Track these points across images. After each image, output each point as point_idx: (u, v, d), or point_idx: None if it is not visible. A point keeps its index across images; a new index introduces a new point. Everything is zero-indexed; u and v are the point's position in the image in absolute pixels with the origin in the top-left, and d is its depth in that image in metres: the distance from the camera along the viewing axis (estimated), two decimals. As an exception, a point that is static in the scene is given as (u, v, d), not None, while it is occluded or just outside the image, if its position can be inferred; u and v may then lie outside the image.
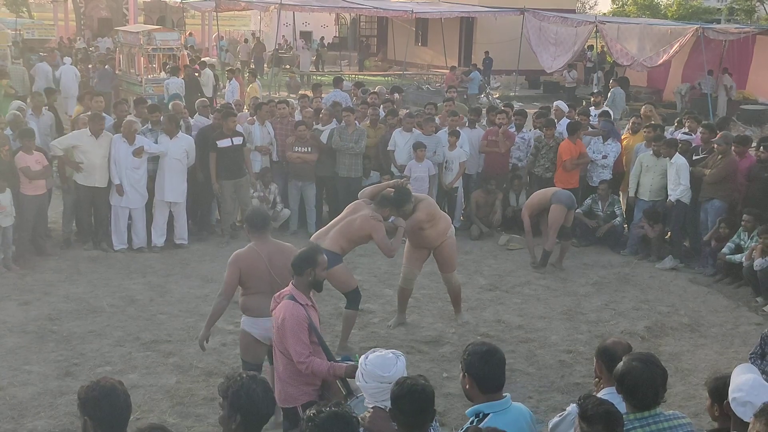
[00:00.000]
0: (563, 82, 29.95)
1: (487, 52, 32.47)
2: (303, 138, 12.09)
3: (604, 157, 12.15)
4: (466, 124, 13.11)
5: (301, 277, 5.22)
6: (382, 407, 4.00)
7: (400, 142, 12.41)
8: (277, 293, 5.35)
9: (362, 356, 4.12)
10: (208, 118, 12.52)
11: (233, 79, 21.10)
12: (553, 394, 7.16)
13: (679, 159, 10.90)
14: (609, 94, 21.30)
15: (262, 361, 6.24)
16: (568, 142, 11.89)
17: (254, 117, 12.57)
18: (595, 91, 19.96)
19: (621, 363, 3.89)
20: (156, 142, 11.19)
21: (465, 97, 25.56)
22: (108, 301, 9.21)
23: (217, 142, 11.37)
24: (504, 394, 3.95)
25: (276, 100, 13.78)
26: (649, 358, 3.89)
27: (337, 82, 17.30)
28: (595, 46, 33.19)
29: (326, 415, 3.29)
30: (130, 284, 9.86)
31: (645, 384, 3.79)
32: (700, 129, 11.61)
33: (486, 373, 3.89)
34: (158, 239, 11.31)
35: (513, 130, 13.02)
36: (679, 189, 10.85)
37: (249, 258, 6.07)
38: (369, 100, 14.45)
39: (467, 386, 3.93)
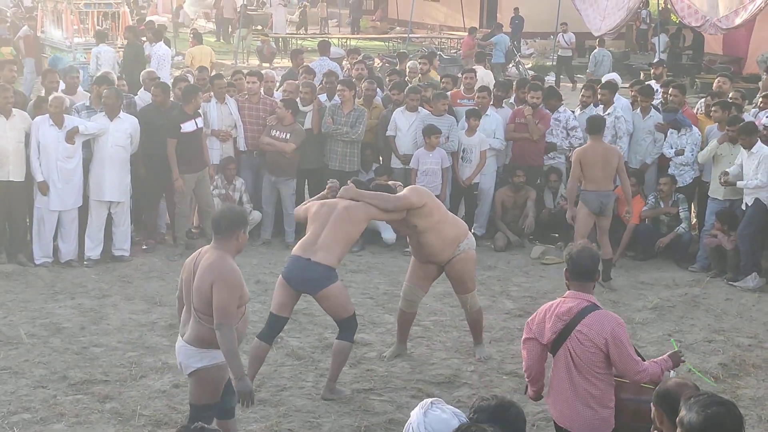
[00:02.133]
0: (615, 48, 29.99)
1: (516, 9, 32.50)
2: (284, 120, 12.12)
3: (679, 153, 12.13)
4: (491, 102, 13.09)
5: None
6: None
7: (403, 124, 12.43)
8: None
9: (419, 407, 4.04)
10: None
11: (160, 41, 20.68)
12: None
13: (762, 149, 10.91)
14: (590, 58, 21.34)
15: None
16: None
17: (210, 93, 12.58)
18: (656, 60, 19.94)
19: (689, 410, 3.89)
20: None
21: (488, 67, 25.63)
22: (26, 330, 9.20)
23: (181, 125, 11.40)
24: None
25: (245, 72, 13.80)
26: (726, 401, 3.92)
27: (324, 48, 17.32)
28: (651, 2, 33.26)
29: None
30: (56, 308, 9.87)
31: (734, 429, 3.81)
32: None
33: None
34: (93, 250, 11.33)
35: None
36: (753, 183, 10.86)
37: (188, 261, 6.30)
38: (355, 72, 14.41)
39: None
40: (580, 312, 5.56)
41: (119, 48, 20.67)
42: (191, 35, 24.56)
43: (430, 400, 4.04)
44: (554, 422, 5.86)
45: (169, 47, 20.65)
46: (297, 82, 13.32)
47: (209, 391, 6.20)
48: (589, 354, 5.52)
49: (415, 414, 4.01)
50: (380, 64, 23.92)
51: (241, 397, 6.00)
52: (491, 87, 13.84)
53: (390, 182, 8.69)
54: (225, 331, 5.88)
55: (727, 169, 11.18)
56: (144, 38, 21.46)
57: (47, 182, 10.94)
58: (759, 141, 11.02)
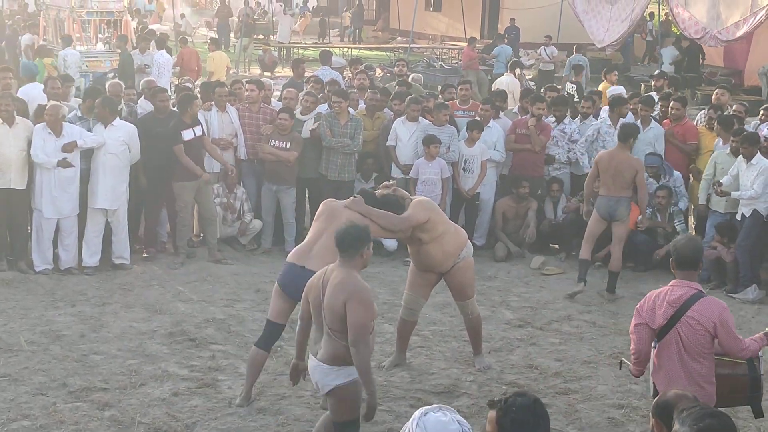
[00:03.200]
0: (615, 59, 29.99)
1: (512, 20, 32.45)
2: (284, 129, 12.14)
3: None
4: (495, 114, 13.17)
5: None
6: None
7: (404, 134, 12.47)
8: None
9: (419, 411, 3.99)
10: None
11: (162, 50, 20.73)
12: None
13: (762, 161, 10.94)
14: (567, 63, 21.31)
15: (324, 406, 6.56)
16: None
17: (210, 102, 12.62)
18: (656, 72, 19.96)
19: (682, 424, 3.91)
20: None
21: (489, 77, 25.66)
22: (27, 337, 9.22)
23: (182, 133, 11.43)
24: None
25: (245, 81, 13.85)
26: (718, 411, 3.94)
27: (325, 58, 17.38)
28: (656, 14, 33.32)
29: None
30: (56, 315, 9.88)
31: None
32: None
33: (540, 429, 3.93)
34: (91, 258, 11.34)
35: (552, 120, 13.04)
36: (748, 192, 10.87)
37: (315, 277, 6.52)
38: (357, 82, 14.45)
39: None
40: (690, 299, 6.08)
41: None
42: (209, 41, 25.23)
43: (437, 405, 4.00)
44: None
45: (171, 56, 20.69)
46: (296, 90, 13.38)
47: (349, 407, 6.35)
48: (698, 337, 6.05)
49: (416, 414, 3.97)
50: (381, 74, 23.97)
51: (369, 410, 6.18)
52: (516, 96, 13.85)
53: (389, 183, 8.61)
54: (360, 347, 6.05)
55: (721, 180, 11.24)
56: (137, 48, 21.35)
57: (44, 191, 10.91)
58: (759, 153, 11.04)
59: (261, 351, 7.89)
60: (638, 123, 12.62)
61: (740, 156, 11.12)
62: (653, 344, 6.30)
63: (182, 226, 11.89)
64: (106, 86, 12.99)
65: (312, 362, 6.39)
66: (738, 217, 11.24)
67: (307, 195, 13.01)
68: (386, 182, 8.77)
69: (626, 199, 10.95)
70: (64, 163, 10.86)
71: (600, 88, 15.63)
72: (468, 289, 8.63)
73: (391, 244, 12.24)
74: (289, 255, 7.93)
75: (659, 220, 12.04)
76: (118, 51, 20.54)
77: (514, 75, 18.66)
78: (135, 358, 8.80)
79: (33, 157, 10.84)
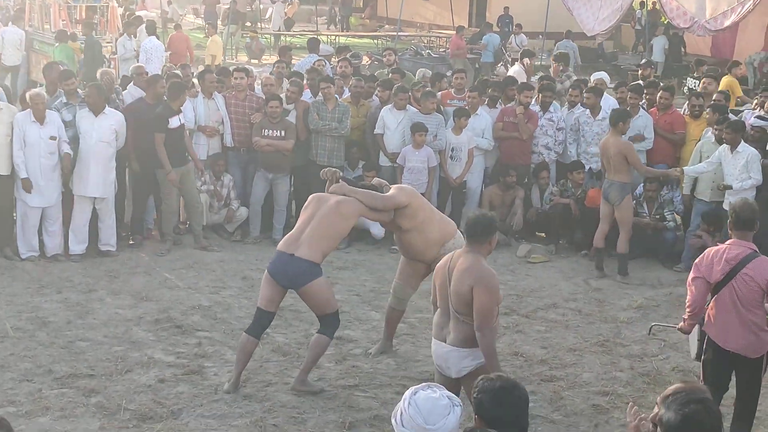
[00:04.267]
0: (606, 48, 29.99)
1: (507, 9, 32.49)
2: (275, 117, 12.13)
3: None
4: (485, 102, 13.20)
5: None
6: None
7: (391, 122, 12.49)
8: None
9: (409, 391, 4.04)
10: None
11: (151, 36, 20.58)
12: None
13: (747, 149, 10.98)
14: (554, 48, 21.29)
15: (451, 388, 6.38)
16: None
17: (196, 89, 12.62)
18: (643, 62, 19.97)
19: (667, 409, 3.93)
20: (73, 120, 11.21)
21: (477, 66, 25.66)
22: (12, 324, 9.21)
23: (169, 120, 11.42)
24: None
25: (232, 68, 13.83)
26: (704, 397, 3.96)
27: (313, 45, 17.37)
28: (645, 3, 33.32)
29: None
30: (42, 302, 9.88)
31: (713, 428, 3.85)
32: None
33: (501, 416, 3.96)
34: (78, 246, 11.32)
35: (537, 109, 13.08)
36: (748, 182, 10.91)
37: (441, 262, 6.72)
38: (339, 69, 14.41)
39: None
40: (746, 258, 6.75)
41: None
42: (207, 25, 25.72)
43: (426, 383, 4.06)
44: (719, 347, 6.92)
45: (160, 41, 20.62)
46: (273, 75, 13.42)
47: None
48: (752, 292, 6.73)
49: (406, 394, 4.02)
50: (369, 62, 23.94)
51: None
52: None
53: (374, 180, 8.71)
54: (486, 332, 6.26)
55: (696, 166, 11.39)
56: (123, 33, 21.25)
57: (30, 177, 10.89)
58: (743, 141, 11.07)
59: (251, 338, 7.92)
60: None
61: (723, 144, 11.15)
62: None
63: (168, 213, 11.88)
64: (98, 75, 12.93)
65: (442, 348, 6.56)
66: (725, 206, 11.28)
67: (292, 182, 13.01)
68: (377, 179, 8.80)
69: (619, 184, 11.12)
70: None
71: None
72: None
73: (378, 232, 12.26)
74: (279, 243, 7.98)
75: (645, 209, 12.07)
76: (84, 37, 20.43)
77: (524, 65, 18.63)
78: (121, 345, 8.81)
79: (14, 155, 10.82)
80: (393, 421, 4.02)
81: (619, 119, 11.17)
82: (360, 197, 8.00)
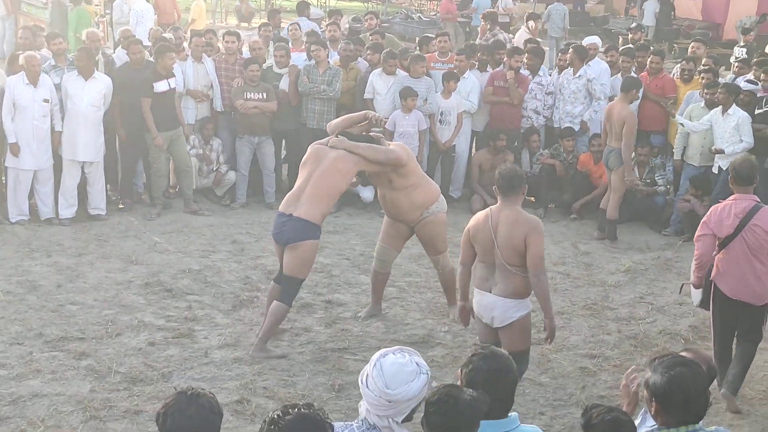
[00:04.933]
0: (594, 12, 29.89)
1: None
2: (255, 81, 12.11)
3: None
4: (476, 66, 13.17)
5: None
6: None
7: (381, 87, 12.45)
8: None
9: (378, 353, 4.05)
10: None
11: None
12: (571, 410, 7.30)
13: (738, 112, 11.00)
14: (545, 12, 21.15)
15: (488, 341, 6.72)
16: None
17: (187, 51, 12.57)
18: (633, 25, 19.92)
19: (654, 372, 3.98)
20: (60, 82, 11.16)
21: (467, 30, 25.55)
22: (2, 288, 9.22)
23: (153, 84, 11.38)
24: (510, 414, 4.03)
25: (222, 32, 13.76)
26: (689, 360, 4.00)
27: (302, 8, 17.25)
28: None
29: (293, 417, 3.38)
30: (32, 266, 9.89)
31: (698, 391, 3.90)
32: (762, 74, 11.68)
33: (495, 395, 3.95)
34: (67, 210, 11.30)
35: (527, 73, 13.05)
36: (740, 146, 10.93)
37: (478, 220, 6.84)
38: (328, 33, 14.28)
39: None
40: (752, 210, 7.22)
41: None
42: None
43: (399, 347, 4.05)
44: (727, 298, 7.33)
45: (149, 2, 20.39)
46: (260, 39, 13.36)
47: (526, 336, 6.89)
48: (761, 241, 7.19)
49: (375, 356, 4.02)
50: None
51: (551, 332, 6.83)
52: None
53: (373, 133, 8.70)
54: (542, 276, 6.63)
55: (686, 125, 11.43)
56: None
57: (21, 142, 10.85)
58: (734, 105, 11.09)
59: (278, 285, 8.13)
60: (618, 76, 12.68)
61: (715, 108, 11.16)
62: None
63: (157, 176, 11.86)
64: (83, 36, 12.82)
65: (489, 298, 6.77)
66: (714, 170, 11.32)
67: (283, 146, 13.01)
68: (374, 133, 8.80)
69: (618, 151, 11.17)
70: None
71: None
72: (438, 244, 8.70)
73: (367, 195, 12.27)
74: (281, 204, 8.10)
75: (636, 174, 12.09)
76: None
77: (528, 29, 18.54)
78: (111, 309, 8.83)
79: (3, 120, 10.78)
80: (359, 381, 4.02)
81: (632, 86, 11.24)
82: (361, 151, 8.04)
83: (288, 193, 8.14)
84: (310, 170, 7.98)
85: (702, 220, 7.50)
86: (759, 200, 7.37)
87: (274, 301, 8.01)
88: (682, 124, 11.46)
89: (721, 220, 7.31)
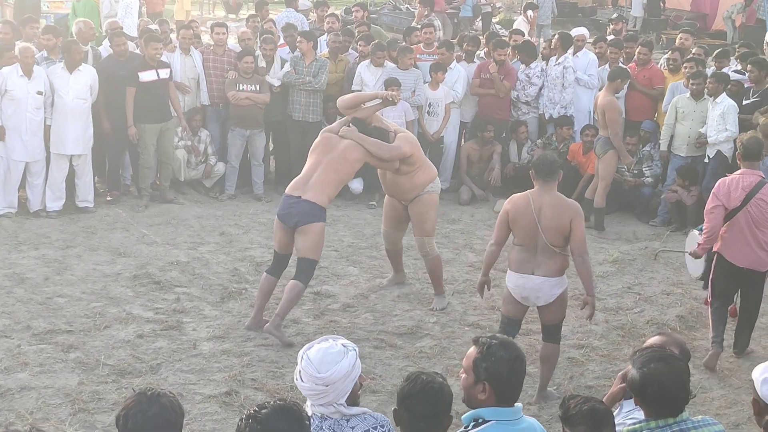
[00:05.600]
0: (582, 3, 29.90)
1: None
2: (249, 72, 12.08)
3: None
4: (462, 58, 13.18)
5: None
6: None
7: (369, 78, 12.43)
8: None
9: (305, 347, 4.16)
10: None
11: None
12: (558, 400, 7.29)
13: (726, 100, 11.04)
14: None
15: (518, 317, 7.39)
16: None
17: (175, 43, 12.53)
18: (614, 16, 19.89)
19: (634, 369, 4.02)
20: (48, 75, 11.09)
21: (455, 21, 25.52)
22: (-10, 280, 9.21)
23: (139, 73, 11.35)
24: (516, 404, 4.05)
25: (210, 24, 13.72)
26: (667, 355, 4.04)
27: (290, 0, 17.19)
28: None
29: (270, 410, 3.46)
30: (19, 258, 9.86)
31: (674, 386, 3.93)
32: (748, 66, 11.72)
33: (514, 383, 3.99)
34: (55, 203, 11.27)
35: (515, 61, 13.08)
36: (724, 134, 10.98)
37: (518, 204, 7.12)
38: (326, 26, 14.24)
39: (482, 395, 3.96)
40: (758, 184, 7.76)
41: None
42: None
43: (324, 337, 4.18)
44: (731, 265, 7.92)
45: None
46: (249, 32, 13.30)
47: (564, 309, 7.34)
48: (764, 213, 7.75)
49: (301, 350, 4.13)
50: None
51: (591, 310, 7.27)
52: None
53: (383, 126, 8.87)
54: (585, 256, 7.11)
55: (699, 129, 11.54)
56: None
57: (14, 134, 10.84)
58: (724, 93, 11.13)
59: (270, 277, 8.35)
60: (606, 67, 12.71)
61: (708, 99, 11.24)
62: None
63: (144, 168, 11.84)
64: (73, 29, 12.76)
65: (534, 280, 7.11)
66: (706, 159, 11.38)
67: (271, 138, 13.00)
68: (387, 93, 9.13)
69: (604, 138, 11.39)
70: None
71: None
72: (427, 223, 8.92)
73: (356, 186, 12.28)
74: (287, 187, 8.29)
75: (624, 166, 12.09)
76: None
77: (526, 18, 18.55)
78: (99, 301, 8.82)
79: None
80: (295, 380, 4.14)
81: (617, 76, 11.40)
82: (368, 146, 8.31)
83: (295, 178, 8.35)
84: (320, 157, 8.24)
85: (713, 192, 7.96)
86: (763, 176, 7.89)
87: (291, 280, 8.18)
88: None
89: (729, 193, 7.82)
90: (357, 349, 4.13)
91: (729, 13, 26.15)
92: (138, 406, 3.64)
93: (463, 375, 4.02)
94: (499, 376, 3.92)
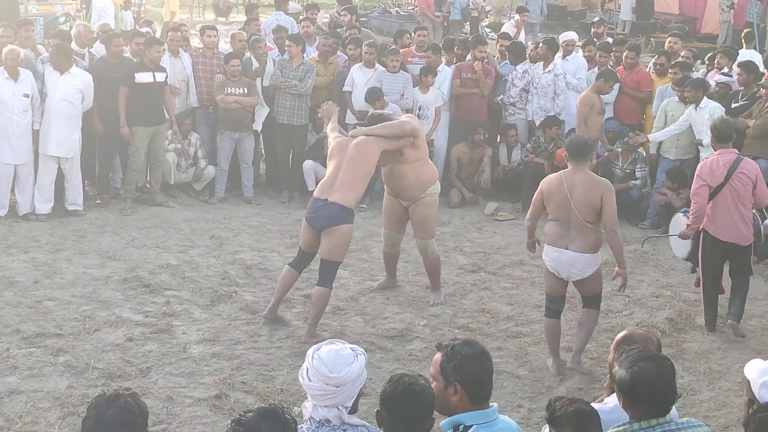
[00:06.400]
0: (571, 6, 29.97)
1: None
2: (236, 75, 12.07)
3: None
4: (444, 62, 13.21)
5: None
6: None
7: (360, 80, 12.45)
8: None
9: (313, 347, 4.19)
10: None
11: None
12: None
13: (709, 103, 11.06)
14: None
15: (560, 293, 7.85)
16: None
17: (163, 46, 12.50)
18: (596, 19, 19.95)
19: (620, 366, 4.03)
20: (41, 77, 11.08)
21: (445, 24, 25.57)
22: (-21, 284, 9.18)
23: (135, 74, 11.34)
24: (491, 404, 4.06)
25: (200, 26, 13.71)
26: (654, 354, 4.06)
27: (281, 2, 17.18)
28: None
29: (256, 414, 3.50)
30: (8, 261, 9.82)
31: (663, 385, 3.94)
32: (736, 68, 11.76)
33: (483, 380, 4.02)
34: (44, 205, 11.23)
35: (505, 63, 13.14)
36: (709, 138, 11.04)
37: (552, 183, 7.61)
38: (302, 30, 14.19)
39: (455, 398, 4.00)
40: (736, 160, 8.39)
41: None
42: None
43: (329, 339, 4.23)
44: (717, 240, 8.49)
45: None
46: (244, 33, 13.29)
47: (600, 281, 7.88)
48: (746, 187, 8.34)
49: (309, 351, 4.17)
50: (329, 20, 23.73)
51: (624, 282, 7.78)
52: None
53: (384, 112, 9.22)
54: (617, 230, 7.54)
55: (665, 129, 11.62)
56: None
57: (1, 136, 10.81)
58: (705, 97, 11.16)
59: (292, 270, 8.53)
60: (595, 70, 12.74)
61: (689, 106, 11.25)
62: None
63: (132, 171, 11.81)
64: (72, 31, 12.71)
65: (568, 255, 7.55)
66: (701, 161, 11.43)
67: (260, 143, 13.01)
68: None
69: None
70: None
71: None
72: (430, 226, 9.07)
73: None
74: (315, 190, 8.48)
75: (619, 163, 12.12)
76: None
77: (515, 22, 18.65)
78: (89, 304, 8.79)
79: None
80: (300, 379, 4.15)
81: (601, 76, 11.56)
82: (378, 131, 8.47)
83: (320, 181, 8.52)
84: (339, 159, 8.36)
85: (696, 173, 8.53)
86: (738, 153, 8.57)
87: (316, 287, 8.28)
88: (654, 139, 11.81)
89: (712, 171, 8.37)
90: (365, 354, 4.18)
91: (725, 15, 26.17)
92: (96, 409, 3.70)
93: (434, 383, 4.04)
94: (468, 374, 3.96)
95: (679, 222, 9.08)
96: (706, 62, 13.24)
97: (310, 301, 9.03)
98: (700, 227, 8.56)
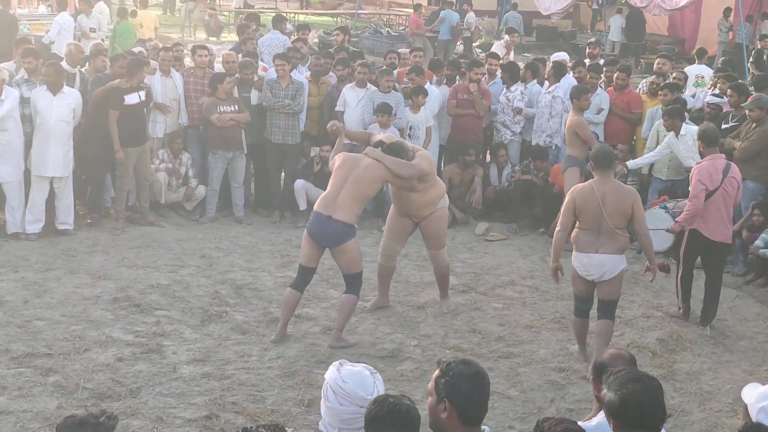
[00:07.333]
0: (562, 27, 30.11)
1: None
2: (228, 94, 12.08)
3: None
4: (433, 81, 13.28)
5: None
6: None
7: (352, 100, 12.48)
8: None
9: (332, 366, 4.18)
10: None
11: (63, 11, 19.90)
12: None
13: (689, 129, 11.05)
14: (503, 19, 21.41)
15: (587, 294, 8.30)
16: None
17: (154, 65, 12.53)
18: (591, 40, 20.07)
19: (608, 389, 4.03)
20: (29, 96, 11.05)
21: (435, 44, 25.64)
22: (-32, 303, 9.13)
23: (125, 97, 11.33)
24: (483, 427, 4.04)
25: (192, 46, 13.74)
26: (640, 375, 4.07)
27: (278, 22, 17.19)
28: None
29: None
30: (-2, 281, 9.80)
31: (652, 406, 3.94)
32: (728, 90, 11.81)
33: (474, 400, 3.97)
34: (34, 225, 11.17)
35: (493, 83, 13.22)
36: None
37: (584, 193, 8.03)
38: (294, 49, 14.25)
39: (445, 416, 3.95)
40: (727, 165, 9.07)
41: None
42: (138, 1, 24.82)
43: (340, 361, 4.26)
44: (704, 239, 9.15)
45: (73, 19, 20.07)
46: (234, 54, 13.29)
47: (620, 288, 8.40)
48: (734, 189, 9.08)
49: (330, 372, 4.18)
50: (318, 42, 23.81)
51: (652, 275, 8.47)
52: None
53: (404, 144, 9.19)
54: (648, 233, 8.16)
55: (643, 156, 11.82)
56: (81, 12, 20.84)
57: None
58: (685, 123, 11.18)
59: (294, 291, 8.65)
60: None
61: (669, 133, 11.28)
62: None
63: (120, 190, 11.79)
64: (64, 50, 12.70)
65: (598, 258, 8.04)
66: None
67: (252, 163, 12.98)
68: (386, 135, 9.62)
69: (568, 157, 11.61)
70: None
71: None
72: (442, 238, 9.30)
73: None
74: (316, 204, 8.57)
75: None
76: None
77: (505, 43, 18.73)
78: (79, 324, 8.76)
79: None
80: (326, 408, 4.16)
81: (575, 95, 11.44)
82: (388, 164, 8.59)
83: (322, 195, 8.61)
84: (345, 175, 8.49)
85: (695, 179, 9.00)
86: (725, 158, 9.22)
87: (343, 295, 8.57)
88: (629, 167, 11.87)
89: (710, 176, 8.96)
90: (377, 372, 4.25)
91: (723, 36, 26.27)
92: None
93: (429, 398, 4.02)
94: (459, 392, 3.90)
95: (659, 216, 10.05)
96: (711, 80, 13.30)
97: (299, 320, 9.06)
98: (692, 227, 9.16)
